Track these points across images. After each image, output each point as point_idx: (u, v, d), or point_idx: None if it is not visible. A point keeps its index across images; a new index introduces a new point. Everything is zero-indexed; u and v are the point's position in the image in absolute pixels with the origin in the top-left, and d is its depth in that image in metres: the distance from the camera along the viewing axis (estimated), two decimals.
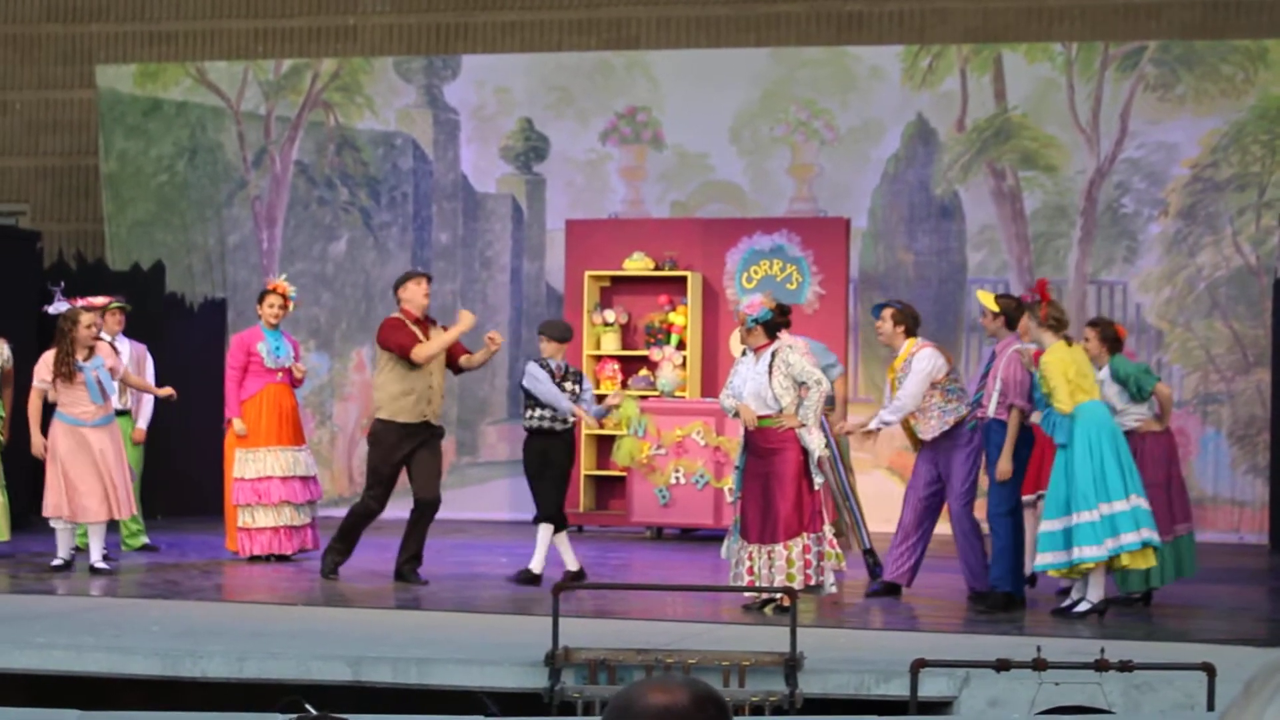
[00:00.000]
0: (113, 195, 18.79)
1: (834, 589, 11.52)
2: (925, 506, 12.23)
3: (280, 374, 14.03)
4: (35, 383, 13.13)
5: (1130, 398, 12.09)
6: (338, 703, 9.12)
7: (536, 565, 12.62)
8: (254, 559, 13.84)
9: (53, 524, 13.36)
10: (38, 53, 19.53)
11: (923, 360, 12.05)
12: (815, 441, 11.26)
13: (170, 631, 10.30)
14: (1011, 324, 12.03)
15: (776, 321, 11.43)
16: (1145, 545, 11.23)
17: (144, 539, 14.64)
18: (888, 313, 12.33)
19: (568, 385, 12.54)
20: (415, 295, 12.83)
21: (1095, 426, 11.24)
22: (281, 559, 13.94)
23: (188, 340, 17.48)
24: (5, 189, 19.35)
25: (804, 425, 11.26)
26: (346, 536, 13.06)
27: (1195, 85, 16.74)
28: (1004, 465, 11.70)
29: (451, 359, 12.95)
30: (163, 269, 18.06)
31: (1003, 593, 11.74)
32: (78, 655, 9.68)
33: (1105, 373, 12.04)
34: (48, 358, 13.17)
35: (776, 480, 11.24)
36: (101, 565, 13.16)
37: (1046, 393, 11.28)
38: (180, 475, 16.72)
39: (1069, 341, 11.46)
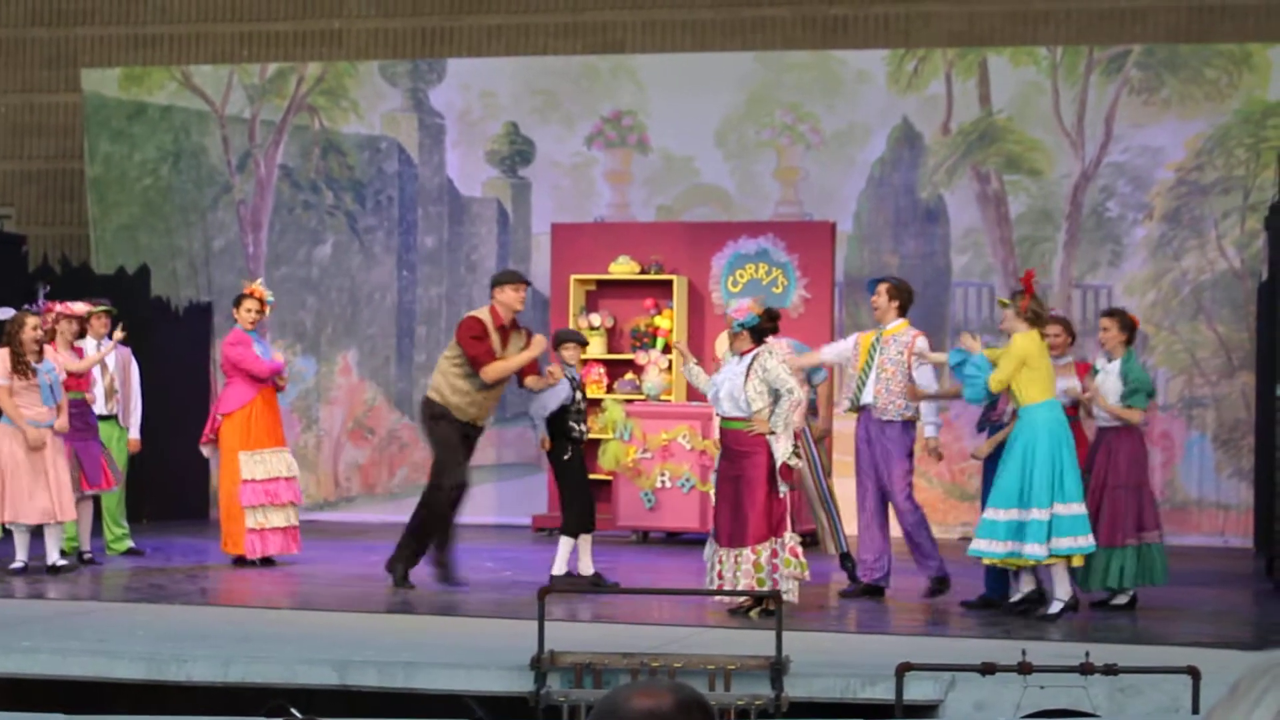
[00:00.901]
0: (98, 199, 18.76)
1: (792, 597, 11.34)
2: (878, 505, 12.34)
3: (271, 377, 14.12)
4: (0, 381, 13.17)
5: (1122, 398, 12.05)
6: (324, 707, 9.11)
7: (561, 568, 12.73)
8: (240, 561, 13.84)
9: (10, 527, 13.39)
10: (23, 56, 19.50)
11: (923, 350, 12.29)
12: (781, 449, 11.23)
13: (155, 635, 10.29)
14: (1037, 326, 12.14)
15: (764, 327, 11.40)
16: (1059, 554, 11.35)
17: (129, 543, 14.62)
18: (884, 287, 12.45)
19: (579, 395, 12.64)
20: (511, 300, 12.70)
21: (1058, 426, 11.31)
22: (266, 562, 13.94)
23: (173, 344, 17.46)
24: None
25: (773, 433, 11.25)
26: (421, 536, 12.84)
27: (1180, 89, 16.77)
28: (983, 447, 11.89)
29: (520, 372, 12.94)
30: (148, 273, 18.03)
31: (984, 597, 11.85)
32: (63, 659, 9.67)
33: (1115, 365, 12.04)
34: (2, 355, 13.21)
35: (746, 484, 11.22)
36: (61, 563, 13.22)
37: (996, 364, 11.37)
38: (166, 479, 16.70)
39: (1042, 337, 11.55)
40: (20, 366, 13.14)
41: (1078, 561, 11.40)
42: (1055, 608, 11.36)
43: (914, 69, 17.26)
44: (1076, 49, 17.02)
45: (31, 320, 13.26)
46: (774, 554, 11.19)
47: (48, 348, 13.43)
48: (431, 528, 12.76)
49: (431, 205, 18.23)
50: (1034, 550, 11.19)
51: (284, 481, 13.99)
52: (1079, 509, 11.26)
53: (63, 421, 13.39)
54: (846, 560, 13.07)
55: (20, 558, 13.36)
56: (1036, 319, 11.48)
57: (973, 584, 12.20)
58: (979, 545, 11.37)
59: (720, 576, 11.25)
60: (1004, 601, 11.83)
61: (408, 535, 12.82)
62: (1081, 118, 16.92)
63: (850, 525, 13.30)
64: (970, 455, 12.00)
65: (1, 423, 13.25)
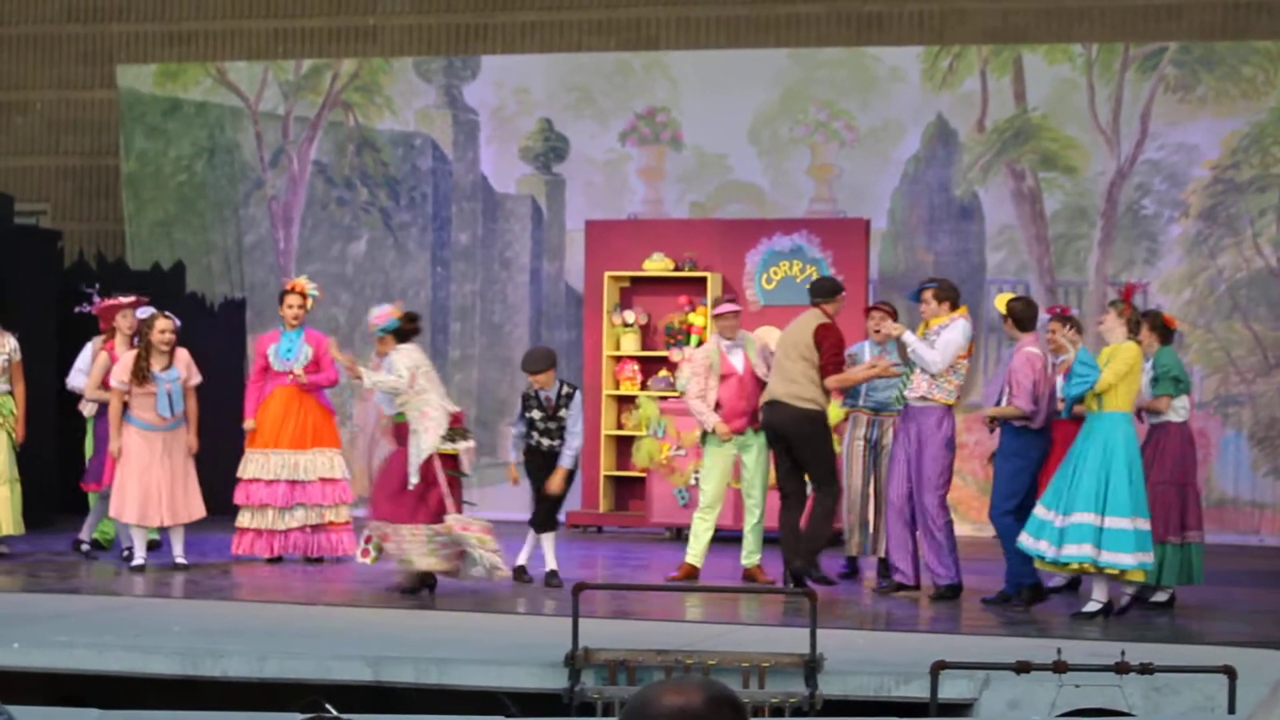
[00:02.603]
0: (133, 195, 18.82)
1: (504, 573, 12.16)
2: (905, 504, 12.32)
3: (290, 376, 13.99)
4: (114, 384, 13.21)
5: (1151, 382, 12.01)
6: (358, 702, 9.13)
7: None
8: (272, 560, 13.85)
9: (126, 523, 13.40)
10: (59, 53, 19.57)
11: (956, 330, 12.22)
12: (424, 443, 12.10)
13: (190, 631, 10.32)
14: (1021, 325, 12.07)
15: (405, 329, 12.42)
16: (1140, 568, 11.31)
17: (153, 534, 14.53)
18: (929, 293, 12.43)
19: (560, 414, 12.66)
20: (839, 309, 12.84)
21: (1117, 437, 11.28)
22: (273, 560, 13.91)
23: (209, 340, 17.48)
24: (26, 188, 19.39)
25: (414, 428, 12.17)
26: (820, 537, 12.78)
27: (1216, 86, 16.70)
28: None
29: None
30: (183, 269, 18.07)
31: (1029, 585, 11.78)
32: (98, 654, 9.70)
33: (1149, 364, 12.02)
34: (127, 360, 13.22)
35: (401, 469, 12.26)
36: (183, 561, 13.36)
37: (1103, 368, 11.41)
38: (200, 474, 16.68)
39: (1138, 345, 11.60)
40: (140, 372, 13.12)
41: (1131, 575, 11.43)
42: (1091, 607, 11.35)
43: (949, 66, 17.22)
44: (1112, 46, 16.96)
45: (161, 322, 13.23)
46: (438, 532, 12.01)
47: (179, 350, 13.40)
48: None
49: (465, 202, 18.25)
50: (1069, 551, 11.21)
51: (263, 484, 13.87)
52: (1124, 524, 11.27)
53: (191, 440, 13.37)
54: (884, 563, 13.07)
55: (140, 555, 13.36)
56: (1137, 327, 11.59)
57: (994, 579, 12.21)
58: (1027, 541, 11.38)
59: (369, 541, 12.24)
60: (1024, 596, 11.80)
61: (813, 535, 12.69)
62: (1117, 115, 16.86)
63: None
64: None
65: (124, 420, 13.22)
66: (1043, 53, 17.09)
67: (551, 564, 12.66)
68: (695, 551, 12.92)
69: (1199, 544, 12.07)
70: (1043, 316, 13.11)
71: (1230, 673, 8.27)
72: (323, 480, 13.91)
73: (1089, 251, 16.86)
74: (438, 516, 12.02)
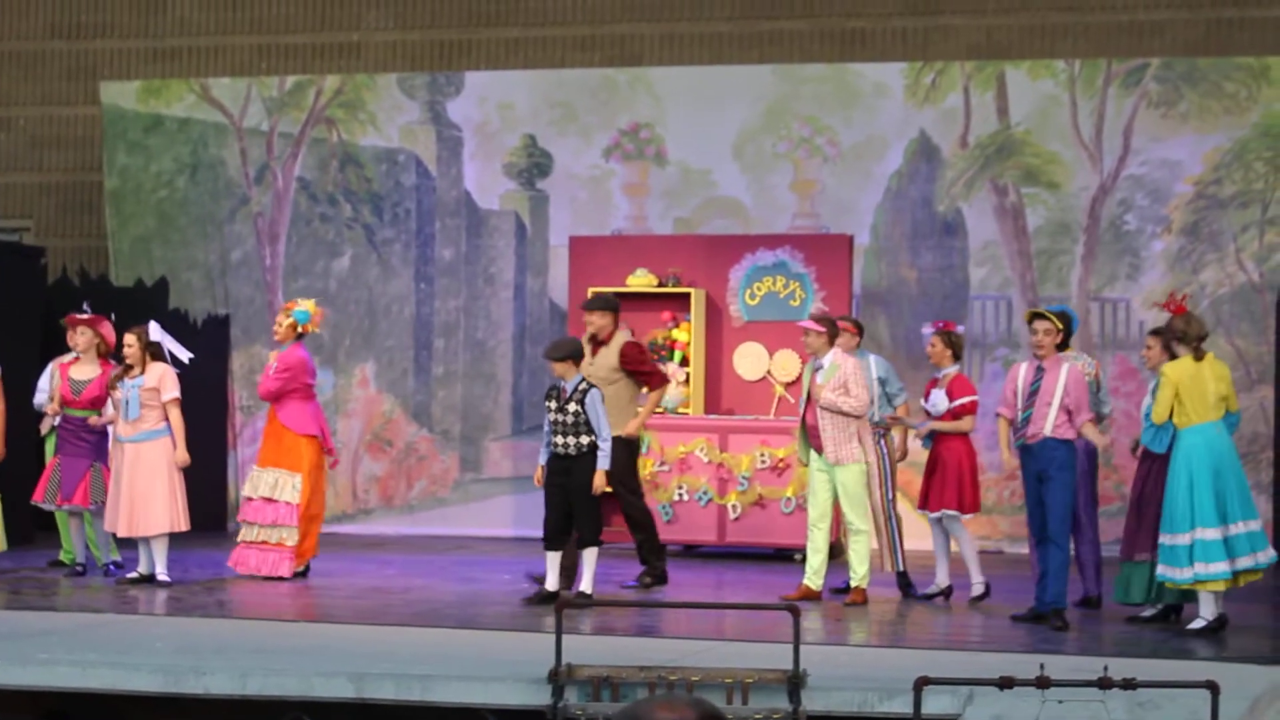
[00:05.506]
0: (115, 211, 18.80)
1: None
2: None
3: None
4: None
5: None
6: (340, 719, 9.11)
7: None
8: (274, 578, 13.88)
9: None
10: (42, 69, 19.56)
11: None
12: None
13: (173, 648, 10.29)
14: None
15: None
16: (1235, 574, 11.42)
17: (113, 555, 14.46)
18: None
19: (570, 408, 12.48)
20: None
21: (1193, 451, 11.29)
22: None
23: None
24: (9, 205, 19.38)
25: None
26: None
27: (1198, 102, 16.75)
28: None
29: None
30: (166, 285, 18.07)
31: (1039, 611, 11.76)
32: (81, 671, 9.67)
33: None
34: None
35: None
36: (133, 575, 13.47)
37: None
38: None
39: (1198, 355, 11.51)
40: (111, 385, 13.61)
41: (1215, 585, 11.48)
42: (1197, 624, 11.48)
43: (932, 82, 17.25)
44: (1094, 62, 17.00)
45: (127, 337, 13.56)
46: None
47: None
48: None
49: (449, 218, 18.25)
50: (1165, 572, 11.38)
51: (245, 500, 14.02)
52: (1212, 534, 11.31)
53: (179, 454, 13.39)
54: (902, 577, 13.07)
55: (138, 568, 13.50)
56: (1184, 337, 11.53)
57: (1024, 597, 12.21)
58: (1160, 570, 11.51)
59: None
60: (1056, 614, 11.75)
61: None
62: (1100, 131, 16.90)
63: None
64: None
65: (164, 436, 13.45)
66: (1026, 69, 17.13)
67: (585, 584, 12.58)
68: (811, 570, 12.72)
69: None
70: (927, 330, 13.25)
71: (1213, 688, 8.26)
72: (264, 500, 13.83)
73: (1072, 267, 16.88)
74: None
